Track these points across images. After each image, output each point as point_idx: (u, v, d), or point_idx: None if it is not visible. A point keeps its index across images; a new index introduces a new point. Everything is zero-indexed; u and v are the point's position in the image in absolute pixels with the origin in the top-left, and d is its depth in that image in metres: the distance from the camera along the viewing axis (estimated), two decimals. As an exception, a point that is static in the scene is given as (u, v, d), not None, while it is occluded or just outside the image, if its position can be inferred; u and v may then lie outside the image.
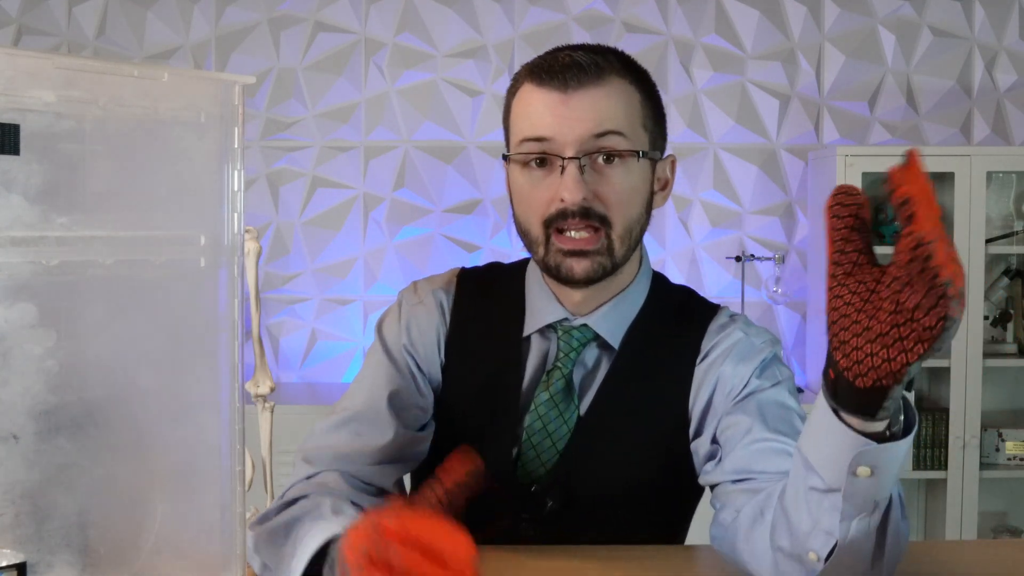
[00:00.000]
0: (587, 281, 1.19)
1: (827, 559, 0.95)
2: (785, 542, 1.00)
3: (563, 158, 1.16)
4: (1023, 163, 3.12)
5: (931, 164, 3.10)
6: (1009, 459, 3.16)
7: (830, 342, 0.84)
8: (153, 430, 0.89)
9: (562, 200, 1.16)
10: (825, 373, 0.88)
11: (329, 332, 3.39)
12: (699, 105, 3.37)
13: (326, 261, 3.39)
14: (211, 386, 0.91)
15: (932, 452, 3.12)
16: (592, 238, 1.17)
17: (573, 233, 1.17)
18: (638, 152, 1.18)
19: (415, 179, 3.38)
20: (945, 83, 3.38)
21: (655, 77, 1.28)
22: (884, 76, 3.38)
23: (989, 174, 3.11)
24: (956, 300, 0.76)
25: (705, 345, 1.24)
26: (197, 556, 0.91)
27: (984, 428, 3.14)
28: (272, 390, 1.86)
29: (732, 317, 1.28)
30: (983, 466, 3.13)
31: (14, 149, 0.75)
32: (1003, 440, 3.16)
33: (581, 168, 1.15)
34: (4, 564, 0.77)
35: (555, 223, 1.17)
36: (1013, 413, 3.34)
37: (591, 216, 1.16)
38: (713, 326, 1.26)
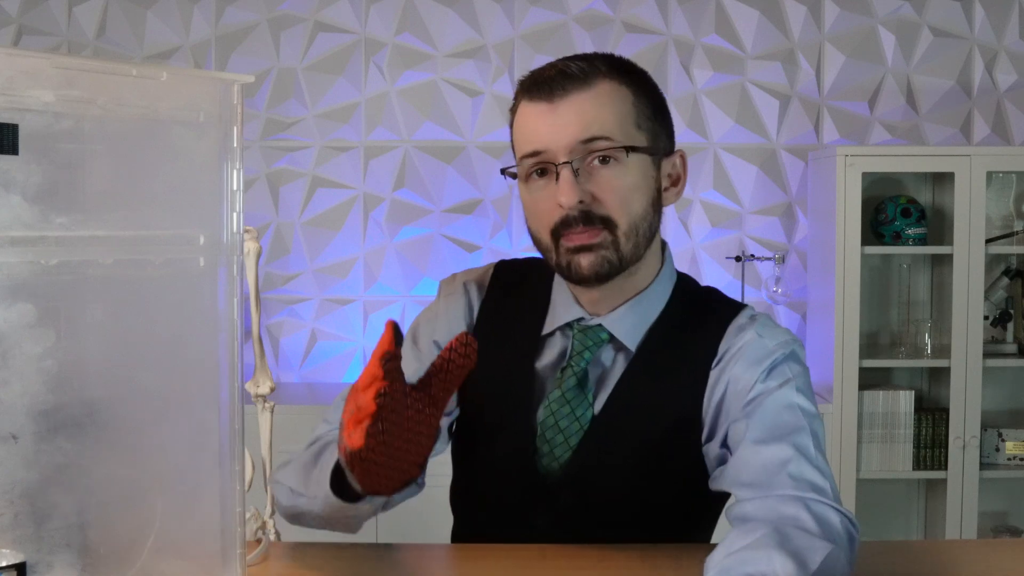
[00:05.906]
0: (596, 277, 1.20)
1: None
2: None
3: (556, 165, 1.18)
4: (1023, 163, 3.11)
5: (931, 164, 3.10)
6: (1009, 459, 3.15)
7: None
8: (153, 430, 0.89)
9: (560, 205, 1.18)
10: None
11: (329, 332, 3.39)
12: (699, 105, 3.37)
13: (326, 261, 3.39)
14: (211, 386, 0.91)
15: (932, 452, 3.12)
16: (596, 233, 1.18)
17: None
18: (626, 148, 1.18)
19: (415, 179, 3.38)
20: (945, 83, 3.38)
21: (655, 77, 1.28)
22: (884, 76, 3.38)
23: (989, 174, 3.11)
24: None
25: (722, 348, 1.24)
26: (197, 556, 0.91)
27: (984, 428, 3.14)
28: (272, 390, 1.84)
29: (752, 318, 1.27)
30: (983, 466, 3.12)
31: (13, 149, 0.75)
32: (1003, 440, 3.16)
33: (575, 172, 1.17)
34: (4, 564, 0.77)
35: (561, 231, 1.19)
36: (1013, 413, 3.33)
37: (592, 220, 1.18)
38: (732, 327, 1.25)
